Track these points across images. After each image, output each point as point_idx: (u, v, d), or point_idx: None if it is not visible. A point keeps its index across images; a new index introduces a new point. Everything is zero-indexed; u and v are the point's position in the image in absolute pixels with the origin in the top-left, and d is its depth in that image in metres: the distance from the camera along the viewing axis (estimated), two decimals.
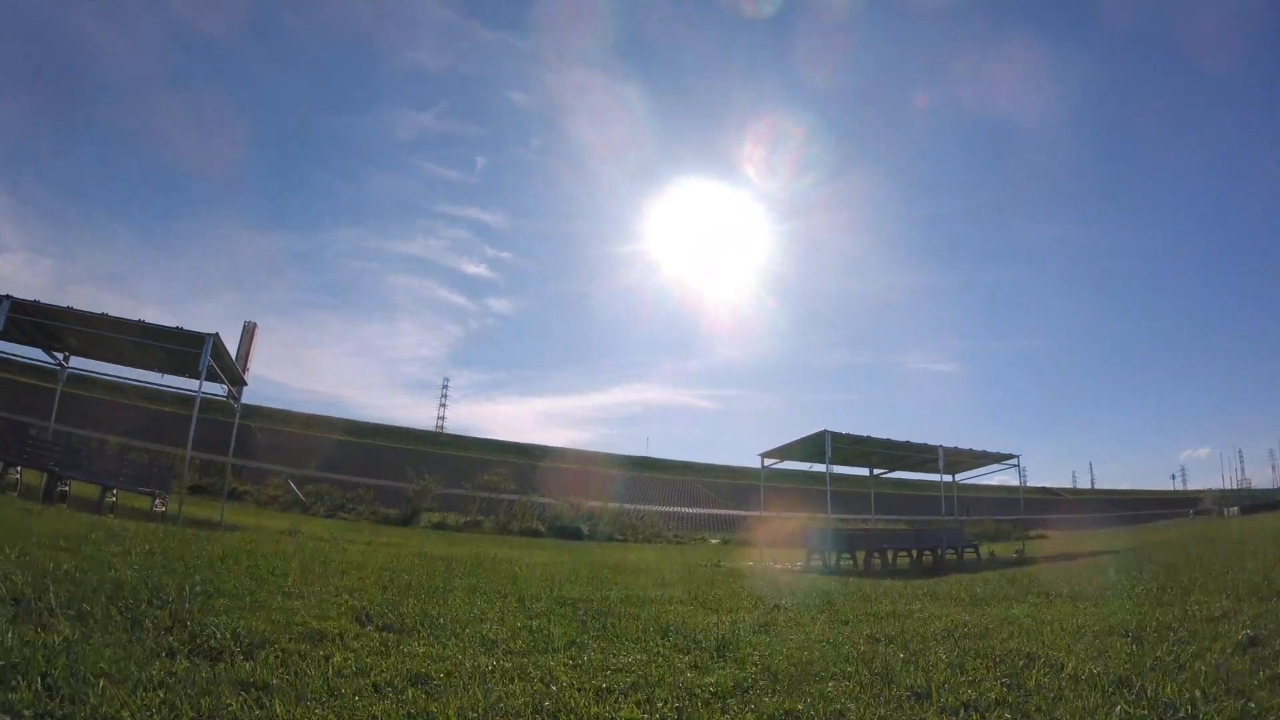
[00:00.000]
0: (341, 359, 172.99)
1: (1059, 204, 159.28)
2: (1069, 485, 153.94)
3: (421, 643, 4.36)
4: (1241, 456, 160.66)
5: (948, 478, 27.59)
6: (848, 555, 18.48)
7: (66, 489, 13.59)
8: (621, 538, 34.96)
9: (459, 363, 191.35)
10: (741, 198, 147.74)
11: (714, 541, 39.02)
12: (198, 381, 13.29)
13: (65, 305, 13.05)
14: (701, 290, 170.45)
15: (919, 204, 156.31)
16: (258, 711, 2.90)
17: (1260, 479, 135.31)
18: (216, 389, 16.40)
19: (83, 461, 13.88)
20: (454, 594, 6.67)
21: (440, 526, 31.79)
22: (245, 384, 15.48)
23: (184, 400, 73.74)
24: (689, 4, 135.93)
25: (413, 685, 3.42)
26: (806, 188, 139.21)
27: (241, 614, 4.53)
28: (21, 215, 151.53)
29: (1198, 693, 3.46)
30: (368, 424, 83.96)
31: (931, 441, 21.94)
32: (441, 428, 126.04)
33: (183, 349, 13.58)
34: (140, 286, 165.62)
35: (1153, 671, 3.89)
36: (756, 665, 4.19)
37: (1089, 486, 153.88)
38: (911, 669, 4.09)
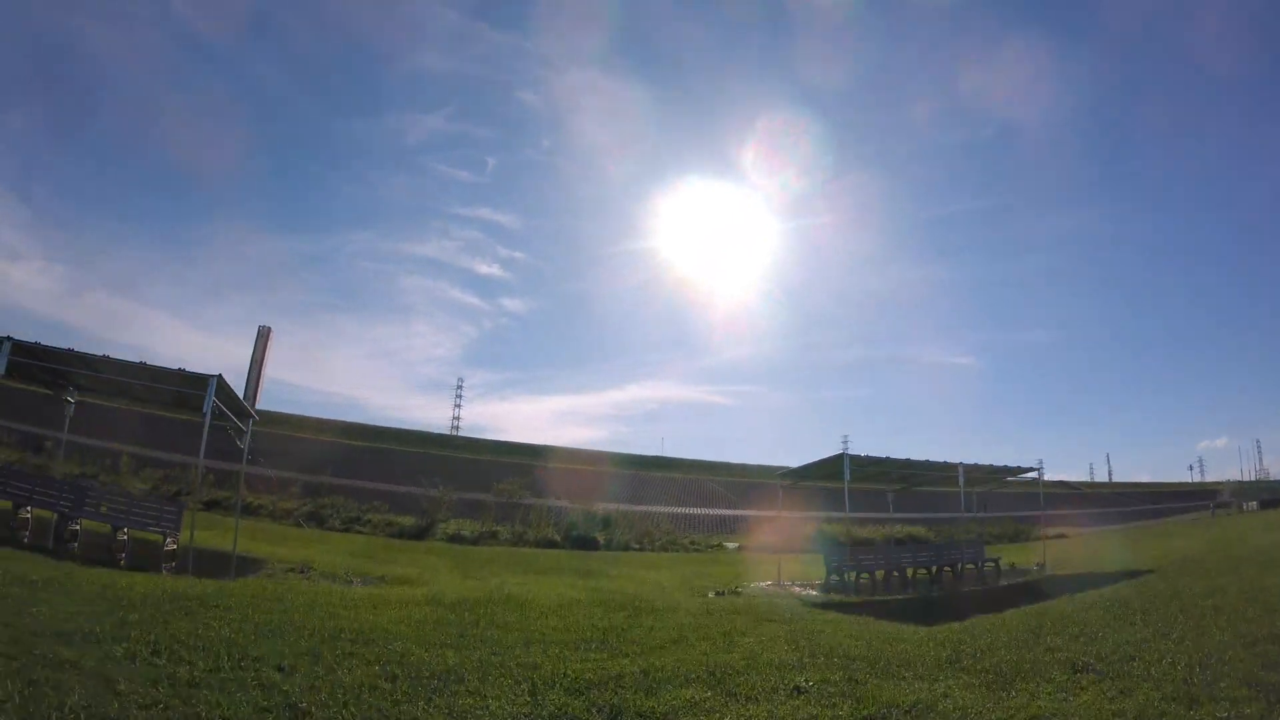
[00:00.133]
0: (356, 361, 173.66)
1: (1072, 196, 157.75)
2: (1087, 478, 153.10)
3: None
4: (1259, 447, 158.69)
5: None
6: (866, 574, 18.30)
7: (77, 528, 13.55)
8: (638, 545, 34.80)
9: (473, 363, 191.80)
10: (750, 195, 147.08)
11: (731, 547, 38.73)
12: (204, 421, 13.09)
13: (67, 348, 12.95)
14: (713, 287, 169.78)
15: (930, 199, 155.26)
16: None
17: (1279, 470, 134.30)
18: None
19: (92, 501, 13.79)
20: (465, 679, 6.48)
21: (456, 538, 31.68)
22: (254, 417, 15.31)
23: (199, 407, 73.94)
24: (694, 2, 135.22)
25: None
26: (815, 184, 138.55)
27: None
28: (34, 223, 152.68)
29: None
30: (382, 427, 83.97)
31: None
32: (457, 429, 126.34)
33: (188, 390, 13.48)
34: (153, 291, 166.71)
35: None
36: None
37: (1107, 479, 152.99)
38: None
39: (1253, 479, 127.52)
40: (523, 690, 6.27)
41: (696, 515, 60.72)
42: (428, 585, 13.71)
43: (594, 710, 5.83)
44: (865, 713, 5.90)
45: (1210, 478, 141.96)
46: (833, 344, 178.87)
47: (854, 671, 7.28)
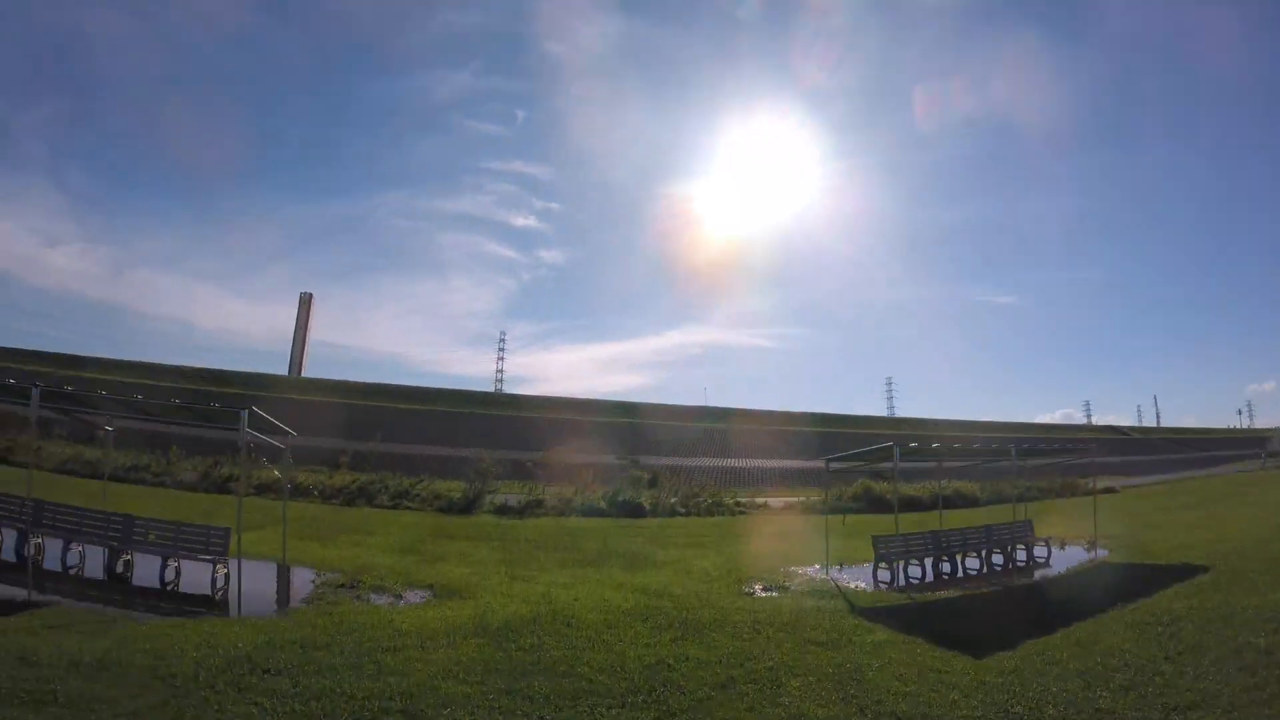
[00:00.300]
0: (398, 318, 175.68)
1: (1121, 131, 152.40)
2: (1134, 422, 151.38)
3: None
4: None
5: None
6: (916, 562, 18.14)
7: (130, 558, 13.84)
8: (684, 510, 34.93)
9: (514, 315, 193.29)
10: (797, 133, 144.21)
11: (776, 505, 38.60)
12: (239, 449, 13.23)
13: (100, 392, 13.17)
14: (754, 228, 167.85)
15: (980, 135, 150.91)
16: None
17: None
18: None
19: (140, 532, 14.09)
20: None
21: (502, 510, 32.03)
22: (292, 434, 15.46)
23: (245, 379, 75.14)
24: None
25: None
26: (860, 122, 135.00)
27: None
28: (70, 208, 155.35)
29: None
30: (426, 388, 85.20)
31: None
32: (500, 385, 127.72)
33: (226, 426, 13.64)
34: (195, 264, 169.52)
35: None
36: None
37: (1155, 424, 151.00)
38: None
39: None
40: None
41: (743, 470, 60.83)
42: (475, 598, 13.80)
43: None
44: None
45: (1259, 423, 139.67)
46: (875, 284, 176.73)
47: None
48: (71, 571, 13.77)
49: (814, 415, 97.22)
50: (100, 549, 13.97)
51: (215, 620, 10.88)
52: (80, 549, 13.98)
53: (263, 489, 30.44)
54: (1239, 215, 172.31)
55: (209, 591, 13.40)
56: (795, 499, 41.77)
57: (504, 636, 11.09)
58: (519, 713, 7.90)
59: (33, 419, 12.42)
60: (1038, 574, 18.52)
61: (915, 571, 18.05)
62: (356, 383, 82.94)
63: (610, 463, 57.64)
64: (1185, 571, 15.93)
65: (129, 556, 13.83)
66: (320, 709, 7.59)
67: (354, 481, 32.99)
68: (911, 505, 33.93)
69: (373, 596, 13.68)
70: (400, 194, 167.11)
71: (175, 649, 9.09)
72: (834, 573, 18.20)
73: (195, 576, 13.77)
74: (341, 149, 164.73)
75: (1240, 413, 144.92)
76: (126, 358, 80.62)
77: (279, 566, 14.97)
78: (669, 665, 9.91)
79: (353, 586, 14.25)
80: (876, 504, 35.58)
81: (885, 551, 17.60)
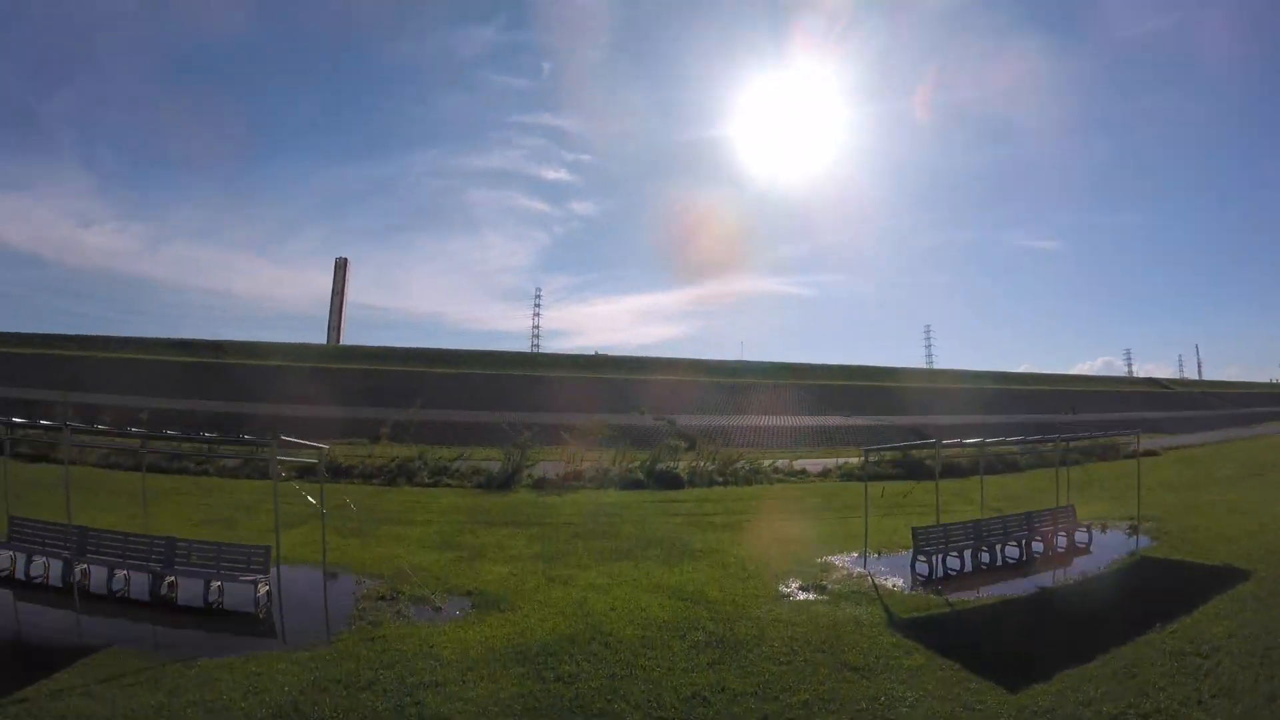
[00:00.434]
0: (434, 277, 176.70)
1: (1170, 73, 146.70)
2: (1175, 374, 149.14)
3: None
4: None
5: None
6: (955, 554, 18.04)
7: (174, 579, 14.20)
8: (722, 479, 35.06)
9: (549, 268, 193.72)
10: (830, 74, 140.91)
11: (815, 470, 38.53)
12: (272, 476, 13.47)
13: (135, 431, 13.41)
14: (789, 174, 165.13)
15: (1022, 71, 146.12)
16: None
17: None
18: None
19: (182, 555, 14.45)
20: None
21: (540, 485, 32.41)
22: (324, 448, 15.77)
23: (284, 351, 75.96)
24: None
25: None
26: (897, 64, 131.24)
27: None
28: (102, 188, 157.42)
29: None
30: (463, 351, 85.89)
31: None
32: (537, 343, 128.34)
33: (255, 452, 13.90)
34: (230, 234, 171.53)
35: None
36: None
37: (1196, 377, 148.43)
38: None
39: None
40: None
41: (778, 427, 60.84)
42: (514, 609, 13.99)
43: None
44: None
45: None
46: (913, 229, 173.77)
47: None
48: (117, 594, 14.16)
49: (851, 368, 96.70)
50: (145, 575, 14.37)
51: (261, 656, 11.11)
52: (126, 574, 14.35)
53: (305, 473, 31.00)
54: None
55: (253, 609, 13.76)
56: (833, 461, 41.73)
57: (542, 663, 11.26)
58: None
59: (65, 459, 12.66)
60: (1077, 565, 18.22)
61: (954, 563, 17.95)
62: (395, 348, 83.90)
63: (647, 424, 57.92)
64: (1227, 577, 15.56)
65: (173, 579, 14.19)
66: None
67: (394, 460, 33.49)
68: (951, 470, 33.59)
69: (413, 611, 13.89)
70: (430, 153, 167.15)
71: (224, 699, 9.36)
72: (872, 563, 18.16)
73: (238, 593, 14.11)
74: (369, 111, 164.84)
75: None
76: (159, 335, 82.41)
77: (322, 576, 15.22)
78: (705, 699, 10.01)
79: (392, 599, 14.48)
80: (915, 469, 35.32)
81: (925, 545, 17.50)
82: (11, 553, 15.07)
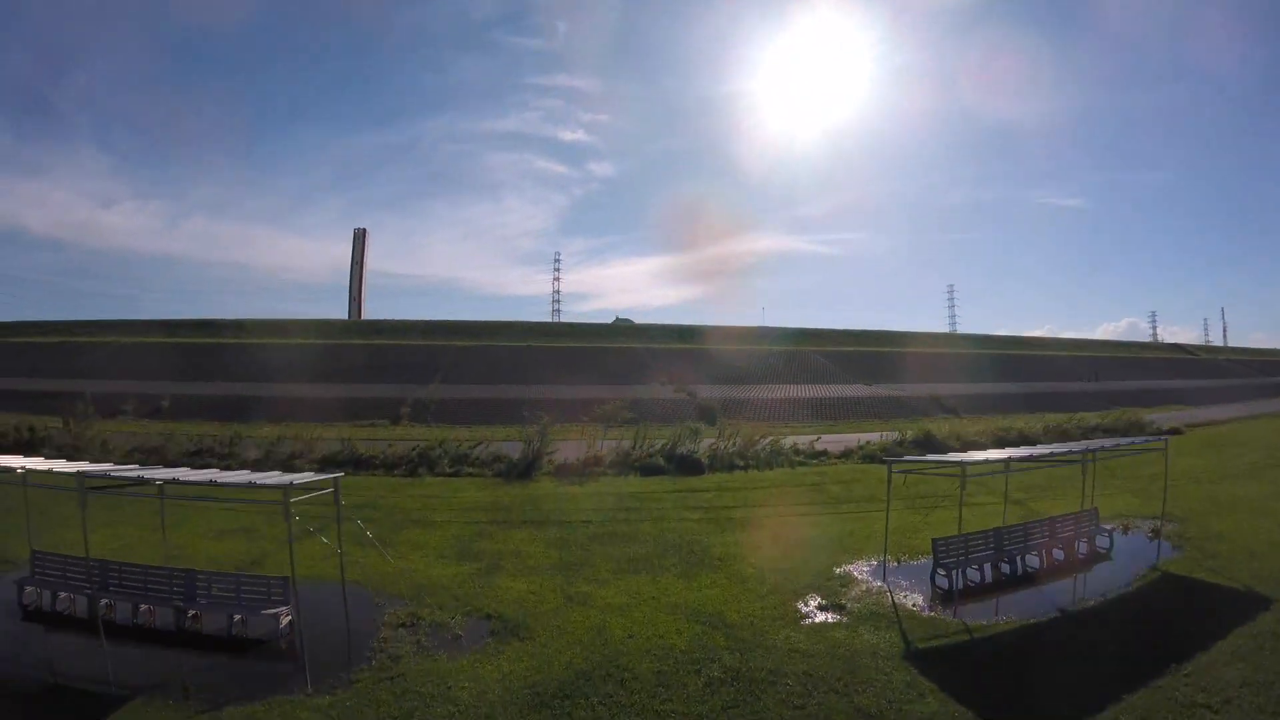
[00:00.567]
0: (452, 243, 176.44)
1: (1201, 27, 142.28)
2: (1201, 336, 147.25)
3: None
4: None
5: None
6: (975, 566, 17.95)
7: (197, 613, 14.41)
8: (742, 463, 35.03)
9: (568, 231, 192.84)
10: (853, 31, 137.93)
11: (836, 452, 38.34)
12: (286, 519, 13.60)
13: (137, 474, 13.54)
14: (809, 130, 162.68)
15: (1050, 25, 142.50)
16: None
17: None
18: None
19: (203, 587, 14.64)
20: None
21: (560, 473, 32.56)
22: (340, 474, 15.92)
23: (306, 328, 76.36)
24: None
25: None
26: (922, 14, 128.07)
27: None
28: (119, 167, 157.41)
29: None
30: (481, 322, 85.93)
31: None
32: (558, 309, 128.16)
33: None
34: (249, 207, 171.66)
35: None
36: None
37: (1222, 343, 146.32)
38: None
39: None
40: None
41: (800, 398, 60.56)
42: (532, 638, 14.11)
43: None
44: None
45: None
46: (936, 187, 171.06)
47: None
48: (140, 625, 14.44)
49: (871, 334, 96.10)
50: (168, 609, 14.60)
51: (284, 704, 11.30)
52: (152, 610, 14.58)
53: (326, 463, 31.33)
54: None
55: (275, 638, 14.01)
56: (854, 439, 41.53)
57: (558, 707, 11.38)
58: None
59: (81, 506, 12.84)
60: (1098, 577, 17.97)
61: (974, 574, 17.87)
62: (415, 321, 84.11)
63: (667, 397, 57.96)
64: (1248, 605, 15.28)
65: (196, 611, 14.41)
66: None
67: (414, 449, 33.75)
68: (970, 449, 33.45)
69: (433, 640, 14.03)
70: (446, 117, 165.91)
71: None
72: (890, 573, 18.13)
73: (261, 622, 14.31)
74: (382, 77, 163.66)
75: None
76: (180, 316, 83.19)
77: (343, 599, 15.38)
78: None
79: (412, 626, 14.64)
80: (937, 450, 35.15)
81: (945, 558, 17.42)
82: (36, 588, 15.33)
